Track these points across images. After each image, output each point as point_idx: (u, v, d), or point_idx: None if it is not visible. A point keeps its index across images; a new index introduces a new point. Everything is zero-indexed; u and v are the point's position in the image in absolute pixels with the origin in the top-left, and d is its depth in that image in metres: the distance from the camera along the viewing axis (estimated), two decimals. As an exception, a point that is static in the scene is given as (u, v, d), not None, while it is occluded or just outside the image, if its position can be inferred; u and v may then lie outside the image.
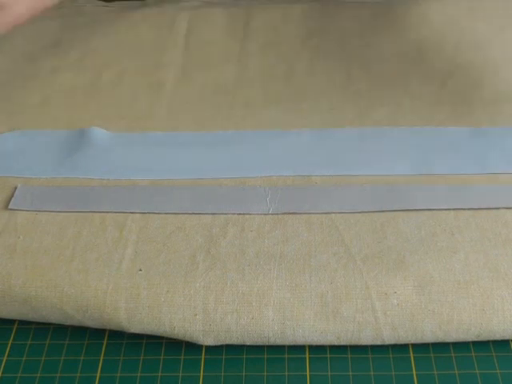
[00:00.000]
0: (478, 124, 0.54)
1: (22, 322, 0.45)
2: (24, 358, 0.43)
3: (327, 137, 0.53)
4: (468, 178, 0.50)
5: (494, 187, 0.49)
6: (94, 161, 0.51)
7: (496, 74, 0.57)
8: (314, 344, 0.43)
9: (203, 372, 0.42)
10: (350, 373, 0.42)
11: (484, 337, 0.43)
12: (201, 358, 0.43)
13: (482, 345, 0.43)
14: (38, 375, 0.42)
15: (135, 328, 0.43)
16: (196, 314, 0.42)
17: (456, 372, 0.42)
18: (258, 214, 0.47)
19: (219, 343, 0.43)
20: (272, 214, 0.47)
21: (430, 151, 0.51)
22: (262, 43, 0.62)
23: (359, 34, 0.62)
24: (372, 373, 0.42)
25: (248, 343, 0.43)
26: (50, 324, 0.44)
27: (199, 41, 0.63)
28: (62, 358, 0.43)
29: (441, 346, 0.43)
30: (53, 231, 0.47)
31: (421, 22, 0.62)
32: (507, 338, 0.43)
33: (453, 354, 0.43)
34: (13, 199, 0.49)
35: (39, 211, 0.48)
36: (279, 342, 0.43)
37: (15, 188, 0.50)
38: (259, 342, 0.43)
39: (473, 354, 0.43)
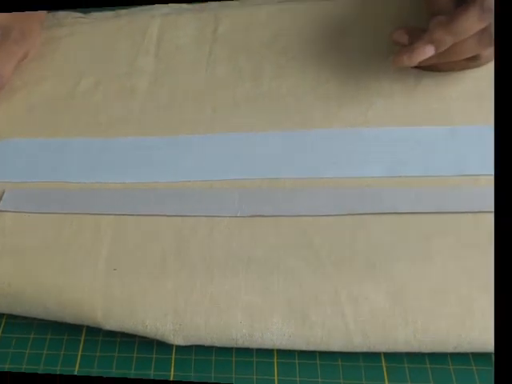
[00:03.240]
0: (453, 123, 0.51)
1: (10, 317, 0.47)
2: (11, 351, 0.46)
3: (296, 139, 0.52)
4: (446, 180, 0.47)
5: (470, 189, 0.47)
6: (71, 166, 0.54)
7: (473, 70, 0.54)
8: (283, 348, 0.43)
9: (173, 371, 0.43)
10: (319, 379, 0.42)
11: (462, 348, 0.41)
12: (171, 358, 0.44)
13: (460, 356, 0.42)
14: (24, 367, 0.45)
15: (110, 325, 0.44)
16: (167, 314, 0.43)
17: (431, 384, 0.41)
18: (226, 217, 0.48)
19: (189, 343, 0.43)
20: (240, 217, 0.48)
21: (404, 152, 0.50)
22: (231, 47, 0.62)
23: (327, 35, 0.61)
24: (341, 381, 0.42)
25: (217, 344, 0.43)
26: (33, 320, 0.47)
27: (170, 47, 0.64)
28: (45, 352, 0.45)
29: (415, 357, 0.42)
30: (36, 232, 0.49)
31: (392, 21, 0.60)
32: (488, 350, 0.41)
33: (428, 366, 0.42)
34: (1, 202, 0.52)
35: (25, 213, 0.50)
36: (247, 344, 0.43)
37: (3, 192, 0.53)
38: (228, 343, 0.43)
39: (450, 366, 0.41)
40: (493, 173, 0.47)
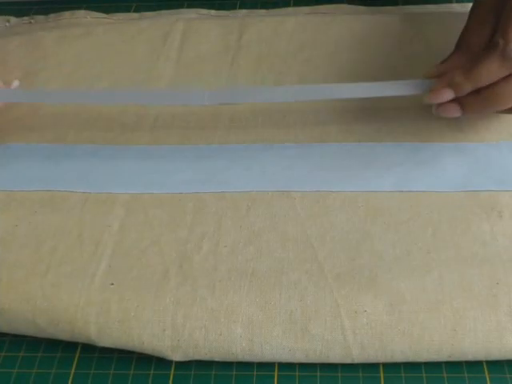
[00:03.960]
0: (465, 139, 0.53)
1: (-1, 333, 0.46)
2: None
3: (310, 152, 0.52)
4: (447, 196, 0.49)
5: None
6: (76, 174, 0.52)
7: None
8: (283, 361, 0.43)
9: (172, 387, 0.43)
10: (319, 391, 0.42)
11: (456, 357, 0.42)
12: (170, 374, 0.43)
13: (454, 365, 0.43)
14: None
15: (105, 342, 0.43)
16: (165, 330, 0.42)
17: (427, 392, 0.42)
18: (232, 231, 0.47)
19: (188, 359, 0.43)
20: (249, 231, 0.48)
21: (411, 168, 0.51)
22: (254, 56, 0.62)
23: (352, 48, 0.62)
24: (341, 391, 0.42)
25: (216, 359, 0.43)
26: (24, 336, 0.45)
27: (191, 54, 0.63)
28: (34, 370, 0.44)
29: (412, 366, 0.43)
30: (30, 244, 0.47)
31: (414, 36, 0.61)
32: (480, 358, 0.42)
33: (424, 375, 0.43)
34: None
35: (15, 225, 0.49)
36: (247, 358, 0.43)
37: None
38: (227, 358, 0.43)
39: (445, 374, 0.43)
40: (496, 189, 0.49)
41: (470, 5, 0.65)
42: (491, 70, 0.46)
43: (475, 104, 0.48)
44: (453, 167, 0.50)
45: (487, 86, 0.47)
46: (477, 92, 0.47)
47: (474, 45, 0.50)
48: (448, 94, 0.48)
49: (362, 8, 0.69)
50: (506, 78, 0.46)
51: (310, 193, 0.50)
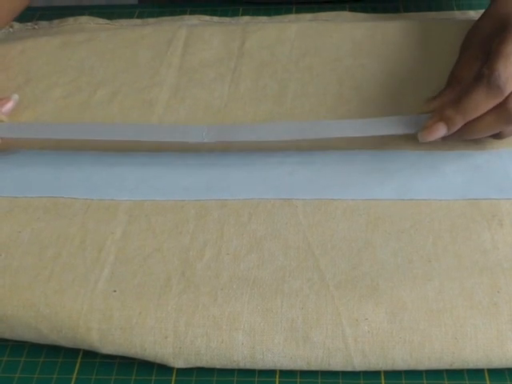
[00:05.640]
0: (467, 148, 0.53)
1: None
2: (-1, 375, 0.44)
3: (312, 159, 0.53)
4: (448, 204, 0.49)
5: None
6: (78, 181, 0.52)
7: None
8: (284, 369, 0.43)
9: (174, 394, 0.43)
10: (321, 398, 0.43)
11: (457, 365, 0.42)
12: (171, 380, 0.43)
13: (455, 373, 0.43)
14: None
15: (107, 349, 0.43)
16: (167, 337, 0.43)
17: (429, 399, 0.42)
18: (234, 239, 0.48)
19: (189, 366, 0.43)
20: (251, 239, 0.48)
21: (412, 176, 0.51)
22: (256, 63, 0.62)
23: (353, 55, 0.62)
24: (342, 399, 0.42)
25: (218, 366, 0.43)
26: (26, 342, 0.45)
27: (194, 60, 0.63)
28: (36, 375, 0.44)
29: (413, 374, 0.43)
30: (34, 251, 0.48)
31: (415, 43, 0.62)
32: (481, 367, 0.42)
33: (425, 382, 0.43)
34: None
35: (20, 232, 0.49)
36: (249, 366, 0.43)
37: None
38: (229, 365, 0.43)
39: (446, 382, 0.43)
40: (497, 197, 0.49)
41: (471, 12, 0.67)
42: (478, 100, 0.47)
43: (462, 130, 0.49)
44: (454, 175, 0.51)
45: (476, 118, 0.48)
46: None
47: (465, 79, 0.51)
48: (441, 130, 0.49)
49: (363, 15, 0.70)
50: (493, 108, 0.47)
51: (312, 200, 0.50)
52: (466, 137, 0.51)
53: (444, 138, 0.50)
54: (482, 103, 0.47)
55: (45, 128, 0.55)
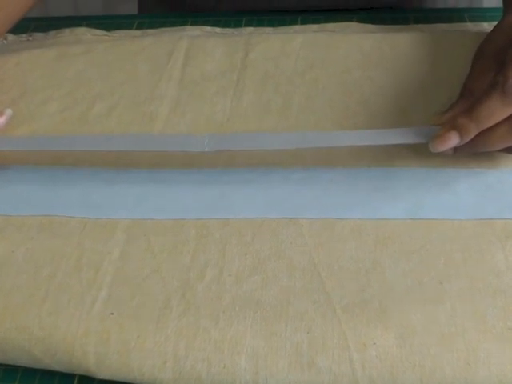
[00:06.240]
0: (478, 166, 0.52)
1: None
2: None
3: (318, 176, 0.51)
4: (460, 224, 0.47)
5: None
6: (74, 198, 0.51)
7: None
8: (289, 395, 0.41)
9: (172, 422, 0.41)
10: (326, 426, 0.41)
11: (470, 391, 0.41)
12: (171, 407, 0.42)
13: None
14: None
15: (104, 374, 0.42)
16: (166, 361, 0.41)
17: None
18: (237, 259, 0.46)
19: (190, 391, 0.41)
20: (252, 258, 0.46)
21: (423, 194, 0.49)
22: (260, 75, 0.61)
23: (361, 67, 0.60)
24: (349, 427, 0.41)
25: (219, 392, 0.41)
26: (19, 366, 0.44)
27: (195, 73, 0.61)
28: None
29: (423, 400, 0.41)
30: (28, 271, 0.46)
31: (425, 56, 0.60)
32: (494, 393, 0.41)
33: (435, 409, 0.41)
34: None
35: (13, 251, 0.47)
36: (251, 392, 0.41)
37: None
38: (231, 391, 0.41)
39: (457, 409, 0.41)
40: (511, 217, 0.47)
41: (484, 24, 0.65)
42: (493, 108, 0.46)
43: (474, 141, 0.47)
44: (466, 194, 0.49)
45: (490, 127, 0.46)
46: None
47: (477, 90, 0.49)
48: (454, 139, 0.47)
49: (371, 26, 0.68)
50: (507, 119, 0.46)
51: (318, 220, 0.48)
52: (479, 149, 0.49)
53: (456, 150, 0.48)
54: (496, 111, 0.46)
55: (39, 140, 0.53)
